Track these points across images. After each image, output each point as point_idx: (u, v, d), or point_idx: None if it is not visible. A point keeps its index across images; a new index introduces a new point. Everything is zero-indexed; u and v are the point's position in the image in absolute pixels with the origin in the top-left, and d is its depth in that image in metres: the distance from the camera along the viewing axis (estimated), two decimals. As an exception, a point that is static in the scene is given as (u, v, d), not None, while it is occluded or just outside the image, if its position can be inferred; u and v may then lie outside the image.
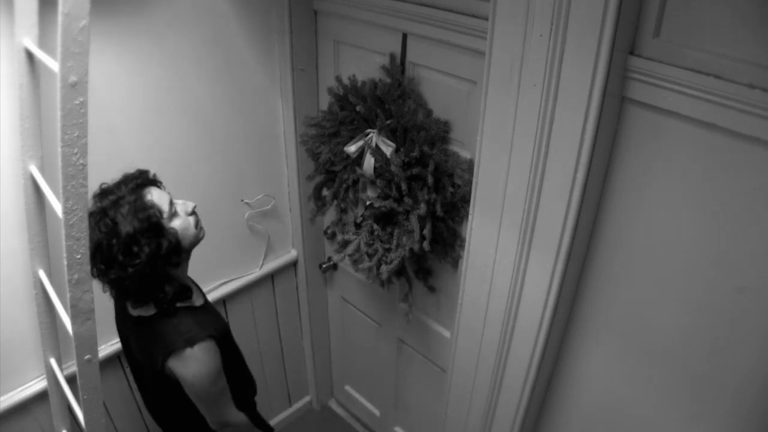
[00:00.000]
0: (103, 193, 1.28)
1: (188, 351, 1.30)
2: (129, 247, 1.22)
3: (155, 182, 1.34)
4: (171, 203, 1.31)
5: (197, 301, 1.44)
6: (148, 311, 1.34)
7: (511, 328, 1.39)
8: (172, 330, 1.32)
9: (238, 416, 1.46)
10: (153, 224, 1.25)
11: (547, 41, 1.05)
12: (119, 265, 1.23)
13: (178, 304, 1.35)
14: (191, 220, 1.35)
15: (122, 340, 1.53)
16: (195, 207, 1.37)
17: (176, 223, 1.30)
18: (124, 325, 1.45)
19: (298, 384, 2.65)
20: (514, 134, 1.19)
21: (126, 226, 1.22)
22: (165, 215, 1.28)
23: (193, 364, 1.31)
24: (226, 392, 1.41)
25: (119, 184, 1.28)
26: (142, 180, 1.31)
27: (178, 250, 1.30)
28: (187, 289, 1.39)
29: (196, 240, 1.37)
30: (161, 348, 1.31)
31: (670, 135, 1.05)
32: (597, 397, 1.41)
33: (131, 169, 1.35)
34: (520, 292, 1.33)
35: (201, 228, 1.38)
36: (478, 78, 1.39)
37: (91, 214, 1.22)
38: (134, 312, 1.37)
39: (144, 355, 1.39)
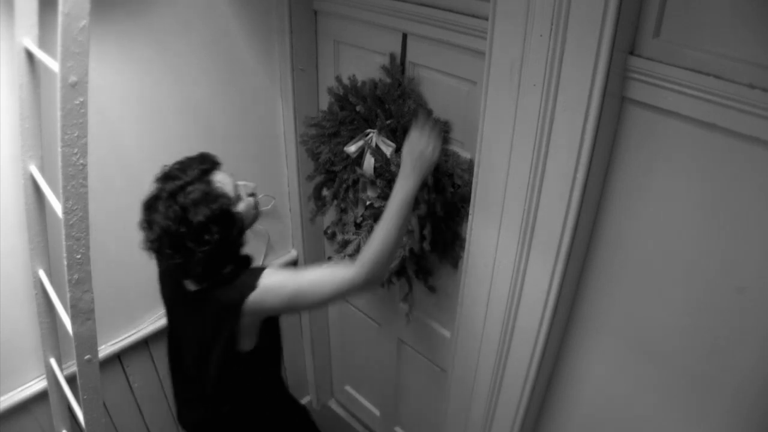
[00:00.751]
0: (168, 176, 1.27)
1: (261, 282, 1.30)
2: (200, 235, 1.23)
3: (218, 164, 1.34)
4: (235, 186, 1.32)
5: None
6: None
7: (511, 328, 1.39)
8: (238, 281, 1.32)
9: (369, 258, 1.29)
10: (224, 212, 1.26)
11: (547, 41, 1.05)
12: (188, 250, 1.23)
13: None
14: (251, 201, 1.37)
15: (172, 322, 1.53)
16: (255, 187, 1.40)
17: (241, 207, 1.32)
18: (178, 302, 1.44)
19: (298, 384, 2.65)
20: (514, 134, 1.19)
21: (197, 215, 1.22)
22: (232, 201, 1.29)
23: (271, 276, 1.31)
24: (313, 272, 1.34)
25: (184, 168, 1.28)
26: (208, 165, 1.30)
27: (243, 232, 1.33)
28: (247, 258, 1.41)
29: (255, 220, 1.40)
30: (236, 297, 1.30)
31: (670, 135, 1.05)
32: (597, 396, 1.41)
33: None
34: (520, 292, 1.33)
35: (259, 208, 1.41)
36: (478, 78, 1.39)
37: (156, 198, 1.24)
38: (194, 287, 1.36)
39: (209, 321, 1.36)
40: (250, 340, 1.40)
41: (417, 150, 1.33)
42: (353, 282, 1.28)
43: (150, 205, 1.26)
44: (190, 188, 1.24)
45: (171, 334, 1.59)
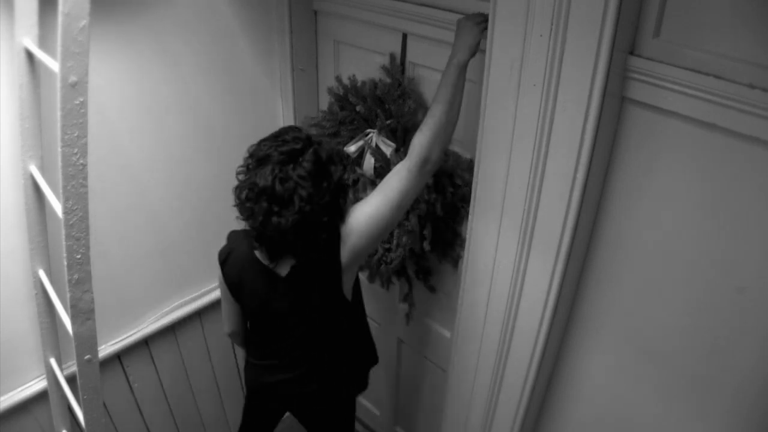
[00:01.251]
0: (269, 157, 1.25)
1: (347, 224, 1.31)
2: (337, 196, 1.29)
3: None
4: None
5: None
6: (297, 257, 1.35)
7: (511, 328, 1.39)
8: (329, 238, 1.32)
9: (442, 114, 1.29)
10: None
11: (547, 41, 1.05)
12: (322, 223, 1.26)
13: None
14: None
15: (276, 323, 1.50)
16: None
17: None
18: (272, 294, 1.41)
19: (298, 384, 2.65)
20: (514, 134, 1.19)
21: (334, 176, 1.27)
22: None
23: (358, 217, 1.32)
24: (387, 185, 1.34)
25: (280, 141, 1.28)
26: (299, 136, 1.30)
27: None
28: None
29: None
30: (331, 247, 1.31)
31: (670, 135, 1.05)
32: (597, 396, 1.41)
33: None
34: (520, 292, 1.33)
35: None
36: (478, 78, 1.39)
37: (282, 180, 1.20)
38: (284, 271, 1.36)
39: (310, 292, 1.38)
40: (349, 293, 1.44)
41: (471, 21, 1.29)
42: (418, 174, 1.30)
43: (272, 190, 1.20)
44: (307, 156, 1.22)
45: (262, 320, 1.54)
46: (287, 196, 1.19)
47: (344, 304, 1.45)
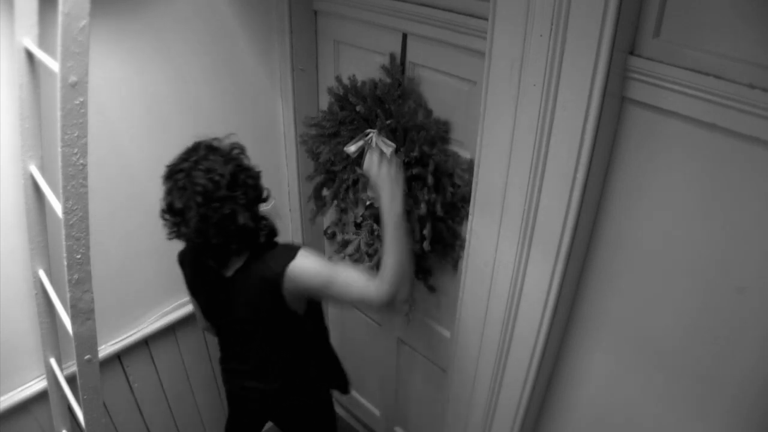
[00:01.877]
0: (177, 168, 1.33)
1: (300, 253, 1.37)
2: (233, 188, 1.33)
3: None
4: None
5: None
6: (242, 260, 1.41)
7: (511, 327, 1.39)
8: (277, 254, 1.40)
9: (397, 273, 1.36)
10: (240, 166, 1.39)
11: (547, 41, 1.05)
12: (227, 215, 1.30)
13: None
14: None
15: (220, 323, 1.58)
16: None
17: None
18: (221, 296, 1.48)
19: (298, 384, 2.65)
20: (514, 134, 1.19)
21: (225, 170, 1.32)
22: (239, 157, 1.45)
23: (307, 258, 1.37)
24: (351, 266, 1.45)
25: (187, 157, 1.34)
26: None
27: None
28: (274, 229, 1.48)
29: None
30: (274, 268, 1.36)
31: (670, 135, 1.05)
32: (597, 396, 1.41)
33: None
34: (520, 292, 1.33)
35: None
36: (478, 78, 1.39)
37: (182, 188, 1.28)
38: (230, 271, 1.42)
39: (253, 297, 1.42)
40: (300, 307, 1.45)
41: (381, 171, 1.44)
42: (376, 298, 1.35)
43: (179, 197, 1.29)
44: (203, 163, 1.30)
45: (214, 321, 1.62)
46: (185, 203, 1.27)
47: (289, 316, 1.44)
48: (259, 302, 1.43)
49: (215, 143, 1.38)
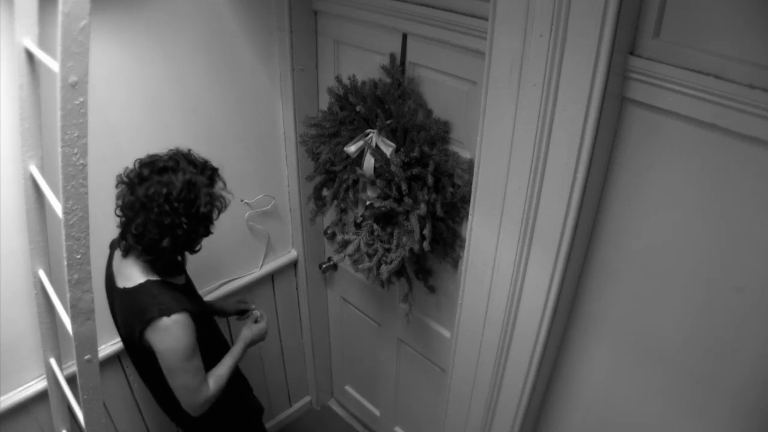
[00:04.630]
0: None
1: (163, 321, 1.34)
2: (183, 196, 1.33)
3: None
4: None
5: (179, 280, 1.50)
6: (133, 282, 1.38)
7: (511, 328, 1.39)
8: (150, 300, 1.36)
9: (209, 398, 1.46)
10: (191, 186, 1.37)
11: (547, 41, 1.05)
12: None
13: (157, 278, 1.40)
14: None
15: (113, 315, 1.55)
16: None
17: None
18: (112, 298, 1.48)
19: (298, 384, 2.65)
20: (514, 134, 1.19)
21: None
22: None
23: (166, 335, 1.34)
24: (200, 372, 1.43)
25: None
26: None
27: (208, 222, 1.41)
28: (179, 262, 1.49)
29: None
30: (139, 317, 1.36)
31: (670, 135, 1.05)
32: (597, 396, 1.41)
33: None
34: (520, 292, 1.33)
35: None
36: (478, 78, 1.39)
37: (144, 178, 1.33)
38: (120, 284, 1.41)
39: (126, 326, 1.43)
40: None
41: (255, 338, 1.65)
42: (189, 410, 1.44)
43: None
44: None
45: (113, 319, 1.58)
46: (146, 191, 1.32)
47: (144, 352, 1.41)
48: (127, 333, 1.43)
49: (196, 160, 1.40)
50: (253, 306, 1.77)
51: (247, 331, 1.64)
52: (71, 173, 1.06)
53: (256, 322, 1.68)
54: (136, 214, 1.31)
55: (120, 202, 1.35)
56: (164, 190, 1.29)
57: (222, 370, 1.52)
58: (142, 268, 1.39)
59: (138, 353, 1.45)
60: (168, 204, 1.29)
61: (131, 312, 1.38)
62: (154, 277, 1.40)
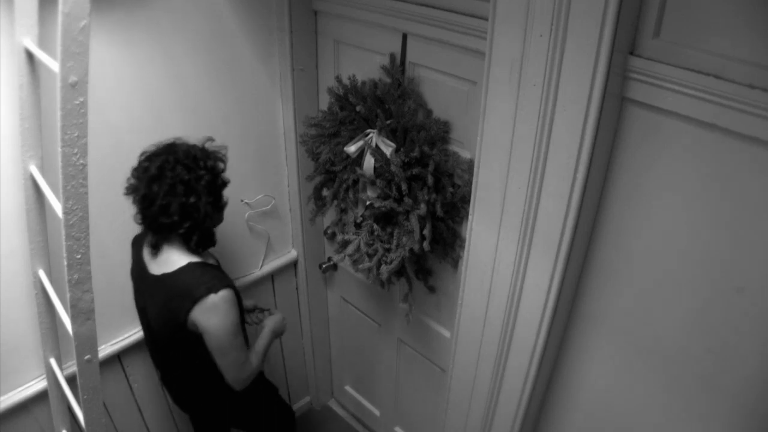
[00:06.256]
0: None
1: (210, 298, 1.38)
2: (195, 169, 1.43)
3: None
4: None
5: (214, 262, 1.57)
6: (173, 266, 1.43)
7: (511, 327, 1.39)
8: (195, 280, 1.41)
9: (253, 372, 1.55)
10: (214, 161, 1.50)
11: (547, 41, 1.05)
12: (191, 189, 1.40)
13: (198, 260, 1.46)
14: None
15: (140, 312, 1.61)
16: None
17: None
18: (143, 290, 1.53)
19: (298, 384, 2.65)
20: (514, 134, 1.19)
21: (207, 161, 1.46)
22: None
23: (214, 312, 1.39)
24: (245, 347, 1.52)
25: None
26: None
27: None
28: (213, 236, 1.54)
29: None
30: (186, 297, 1.39)
31: (670, 135, 1.05)
32: (597, 397, 1.41)
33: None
34: (520, 292, 1.33)
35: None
36: (478, 78, 1.39)
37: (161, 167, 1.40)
38: (157, 271, 1.45)
39: (168, 310, 1.44)
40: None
41: (278, 327, 1.73)
42: (234, 379, 1.52)
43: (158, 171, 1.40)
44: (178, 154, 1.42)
45: (141, 314, 1.64)
46: (160, 168, 1.41)
47: (193, 342, 1.46)
48: (166, 319, 1.46)
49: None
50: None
51: (269, 321, 1.71)
52: (71, 173, 1.06)
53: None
54: (156, 191, 1.37)
55: (137, 196, 1.41)
56: (171, 158, 1.38)
57: (259, 346, 1.61)
58: (180, 252, 1.45)
59: (178, 339, 1.47)
60: (179, 165, 1.38)
61: (175, 294, 1.41)
62: (195, 259, 1.45)
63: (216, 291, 1.38)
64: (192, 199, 1.38)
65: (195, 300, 1.38)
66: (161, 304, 1.46)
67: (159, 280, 1.44)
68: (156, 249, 1.46)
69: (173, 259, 1.44)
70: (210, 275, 1.43)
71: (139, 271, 1.52)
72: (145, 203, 1.39)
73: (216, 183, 1.45)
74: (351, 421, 2.71)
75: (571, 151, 1.10)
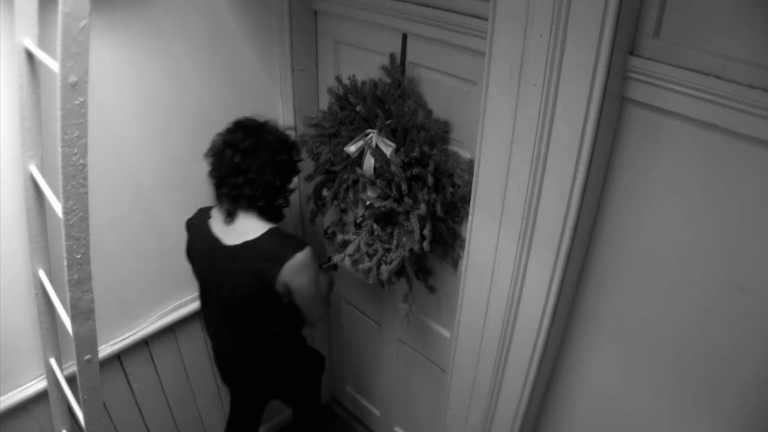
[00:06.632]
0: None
1: (298, 256, 1.51)
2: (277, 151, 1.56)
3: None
4: None
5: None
6: (254, 234, 1.54)
7: (511, 327, 1.39)
8: (280, 243, 1.54)
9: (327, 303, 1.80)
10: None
11: (547, 41, 1.05)
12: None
13: (276, 226, 1.58)
14: None
15: (207, 290, 1.70)
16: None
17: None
18: (216, 262, 1.59)
19: (298, 384, 2.65)
20: (514, 134, 1.19)
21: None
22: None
23: (304, 269, 1.54)
24: (321, 290, 1.68)
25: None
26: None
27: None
28: (281, 211, 1.67)
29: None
30: (275, 258, 1.51)
31: (670, 135, 1.05)
32: (597, 396, 1.41)
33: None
34: (520, 292, 1.33)
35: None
36: (478, 78, 1.39)
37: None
38: (235, 241, 1.54)
39: (250, 278, 1.53)
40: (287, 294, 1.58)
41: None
42: (320, 317, 1.77)
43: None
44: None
45: (207, 292, 1.71)
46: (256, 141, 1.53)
47: (274, 303, 1.58)
48: (248, 288, 1.56)
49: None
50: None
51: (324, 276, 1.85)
52: (71, 173, 1.06)
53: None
54: (248, 165, 1.48)
55: (222, 161, 1.51)
56: (269, 137, 1.52)
57: (323, 285, 1.78)
58: (258, 221, 1.55)
59: (260, 300, 1.57)
60: (275, 145, 1.52)
61: (260, 258, 1.52)
62: (274, 225, 1.57)
63: (301, 249, 1.52)
64: (277, 182, 1.53)
65: (283, 261, 1.50)
66: (246, 270, 1.54)
67: (240, 249, 1.53)
68: (231, 218, 1.54)
69: (252, 229, 1.54)
70: (290, 238, 1.57)
71: (208, 246, 1.59)
72: (233, 173, 1.49)
73: (295, 170, 1.61)
74: (351, 421, 2.71)
75: (571, 151, 1.10)
